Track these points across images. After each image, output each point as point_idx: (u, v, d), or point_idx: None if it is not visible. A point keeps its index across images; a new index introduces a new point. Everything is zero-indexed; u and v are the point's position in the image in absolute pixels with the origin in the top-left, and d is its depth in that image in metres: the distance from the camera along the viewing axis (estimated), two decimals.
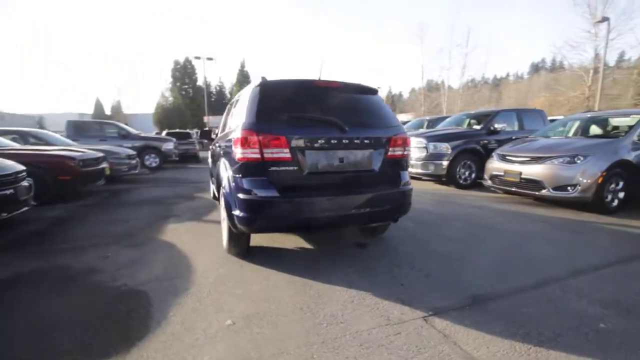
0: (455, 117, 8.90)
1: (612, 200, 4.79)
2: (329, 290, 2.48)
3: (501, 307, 2.25)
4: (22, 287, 2.58)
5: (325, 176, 2.69)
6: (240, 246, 3.01)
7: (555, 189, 4.83)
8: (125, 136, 11.44)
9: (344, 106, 2.85)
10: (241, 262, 3.02)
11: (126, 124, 14.45)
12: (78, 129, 10.82)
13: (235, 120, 3.10)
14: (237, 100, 3.62)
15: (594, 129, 6.15)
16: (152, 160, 11.76)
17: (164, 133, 16.35)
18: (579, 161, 4.73)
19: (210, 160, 5.53)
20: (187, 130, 17.60)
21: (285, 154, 2.55)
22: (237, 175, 2.63)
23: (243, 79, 28.20)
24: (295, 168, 2.60)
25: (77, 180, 5.90)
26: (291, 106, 2.70)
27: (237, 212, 2.62)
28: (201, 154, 16.34)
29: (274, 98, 2.71)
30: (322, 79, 3.09)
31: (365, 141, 2.77)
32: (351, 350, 1.81)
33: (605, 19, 17.29)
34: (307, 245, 3.45)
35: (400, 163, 2.99)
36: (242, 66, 28.52)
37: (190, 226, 4.23)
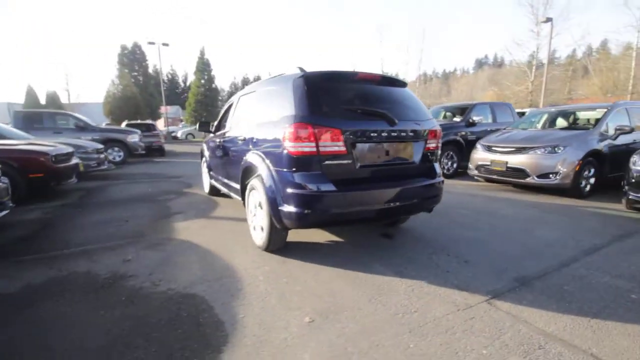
0: (433, 110, 9.30)
1: (586, 185, 5.37)
2: (384, 282, 2.53)
3: (545, 286, 2.47)
4: (43, 302, 2.29)
5: (374, 169, 2.72)
6: (280, 242, 2.95)
7: (539, 176, 5.30)
8: (83, 128, 10.42)
9: (385, 98, 2.87)
10: (282, 258, 2.96)
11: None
12: (28, 120, 9.65)
13: (268, 114, 2.99)
14: (256, 92, 3.48)
15: (561, 122, 6.81)
16: (115, 155, 10.88)
17: (123, 124, 15.12)
18: (559, 151, 5.23)
19: (207, 154, 5.26)
20: (150, 121, 16.43)
21: (340, 147, 2.53)
22: (288, 170, 2.56)
23: (203, 67, 26.61)
24: (349, 161, 2.60)
25: (50, 178, 5.32)
26: (337, 98, 2.67)
27: (287, 208, 2.56)
28: (167, 147, 15.41)
29: (319, 90, 2.66)
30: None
31: (410, 134, 2.84)
32: (440, 337, 1.89)
33: (549, 20, 18.95)
34: (336, 238, 3.47)
35: (435, 155, 3.10)
36: (202, 54, 26.89)
37: (203, 224, 4.04)
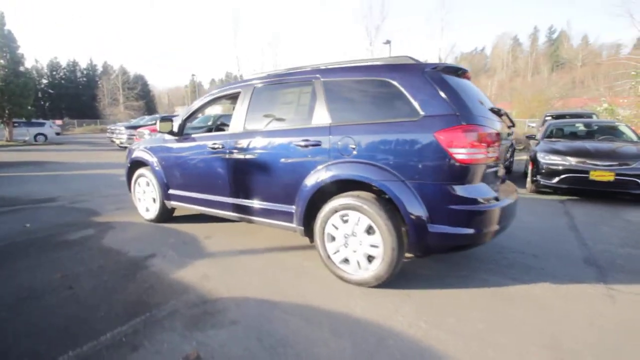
0: None
1: None
2: (498, 291, 2.44)
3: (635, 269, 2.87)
4: None
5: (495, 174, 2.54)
6: (398, 268, 2.37)
7: None
8: None
9: (483, 97, 2.71)
10: (406, 291, 2.40)
11: None
12: None
13: (376, 112, 2.36)
14: (327, 83, 2.60)
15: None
16: None
17: None
18: None
19: (159, 163, 3.74)
20: None
21: (496, 152, 2.23)
22: (451, 182, 2.08)
23: (2, 42, 17.72)
24: (497, 169, 2.33)
25: None
26: (470, 96, 2.34)
27: (445, 229, 2.10)
28: None
29: (458, 85, 2.28)
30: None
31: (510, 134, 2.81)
32: (618, 334, 1.94)
33: (388, 42, 22.78)
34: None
35: None
36: None
37: (263, 262, 2.84)
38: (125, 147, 13.71)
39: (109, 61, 59.40)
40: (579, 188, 5.57)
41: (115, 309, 2.17)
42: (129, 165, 4.19)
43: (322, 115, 2.56)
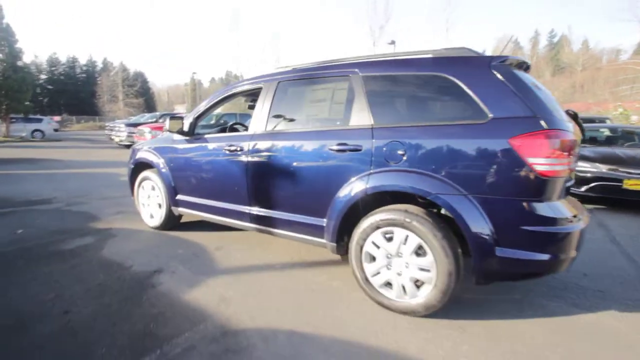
0: None
1: None
2: (564, 322, 2.09)
3: None
4: None
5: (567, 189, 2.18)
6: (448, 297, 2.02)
7: None
8: None
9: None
10: (458, 323, 2.05)
11: None
12: None
13: (434, 111, 2.03)
14: (368, 78, 2.23)
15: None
16: None
17: None
18: None
19: (167, 165, 3.38)
20: None
21: (572, 162, 1.88)
22: (528, 198, 1.73)
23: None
24: (571, 183, 1.98)
25: None
26: (543, 94, 1.99)
27: (516, 254, 1.76)
28: None
29: (532, 83, 1.93)
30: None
31: None
32: None
33: (392, 42, 22.46)
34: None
35: None
36: None
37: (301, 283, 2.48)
38: (126, 146, 13.33)
39: (109, 58, 58.91)
40: (611, 197, 5.26)
41: (119, 343, 1.81)
42: (132, 166, 3.83)
43: (362, 116, 2.21)
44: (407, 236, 2.01)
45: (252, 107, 3.96)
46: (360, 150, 2.15)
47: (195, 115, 3.22)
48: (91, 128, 36.62)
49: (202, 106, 3.24)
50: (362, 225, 2.16)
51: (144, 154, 3.66)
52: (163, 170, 3.42)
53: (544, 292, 2.46)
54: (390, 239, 2.09)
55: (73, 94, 51.93)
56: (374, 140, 2.11)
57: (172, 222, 3.60)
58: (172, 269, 2.75)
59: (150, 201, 3.66)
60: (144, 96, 52.31)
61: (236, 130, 3.70)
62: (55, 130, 22.47)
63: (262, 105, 2.72)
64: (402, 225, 2.01)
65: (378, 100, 2.19)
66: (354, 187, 2.16)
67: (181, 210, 3.38)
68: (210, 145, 3.02)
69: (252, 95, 3.53)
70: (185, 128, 3.21)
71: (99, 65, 56.88)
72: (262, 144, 2.62)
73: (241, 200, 2.83)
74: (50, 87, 51.91)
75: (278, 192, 2.58)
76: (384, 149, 2.06)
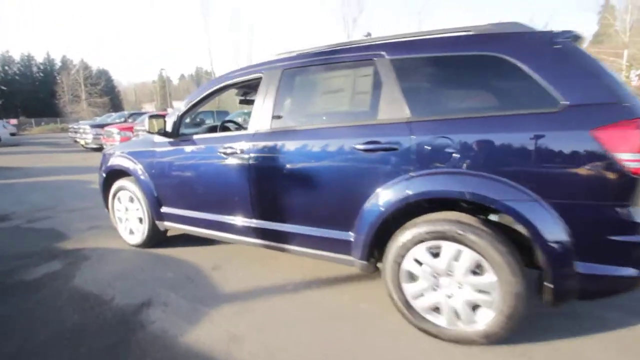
0: None
1: None
2: (630, 336, 1.83)
3: None
4: None
5: None
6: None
7: None
8: None
9: None
10: (520, 348, 1.73)
11: None
12: None
13: (484, 100, 1.69)
14: (397, 60, 1.84)
15: None
16: None
17: None
18: None
19: (147, 171, 2.87)
20: None
21: None
22: (615, 203, 1.41)
23: None
24: None
25: None
26: (618, 76, 1.69)
27: (607, 270, 1.45)
28: None
29: (600, 62, 1.62)
30: None
31: None
32: None
33: (368, 34, 22.18)
34: None
35: None
36: None
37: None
38: (93, 149, 12.34)
39: (69, 55, 55.34)
40: None
41: None
42: (104, 175, 3.28)
43: (394, 108, 1.83)
44: (460, 251, 1.67)
45: (245, 102, 3.52)
46: (396, 149, 1.77)
47: (180, 114, 2.73)
48: (53, 130, 34.20)
49: (187, 102, 2.75)
50: (400, 239, 1.80)
51: (118, 160, 3.12)
52: (142, 178, 2.91)
53: (601, 303, 2.19)
54: (436, 255, 1.74)
55: (30, 94, 48.39)
56: (413, 137, 1.73)
57: (156, 238, 3.10)
58: (163, 299, 2.29)
59: (129, 215, 3.14)
60: (109, 95, 49.57)
61: (228, 129, 3.22)
62: (12, 134, 20.67)
63: (264, 99, 2.28)
64: (453, 239, 1.66)
65: (414, 88, 1.81)
66: (390, 194, 1.79)
67: (168, 224, 2.89)
68: (201, 148, 2.55)
69: (245, 88, 3.08)
70: (169, 128, 2.71)
71: (58, 63, 53.28)
72: (267, 144, 2.19)
73: (242, 211, 2.39)
74: (3, 88, 48.07)
75: (290, 202, 2.17)
76: (427, 146, 1.70)
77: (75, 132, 14.28)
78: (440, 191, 1.67)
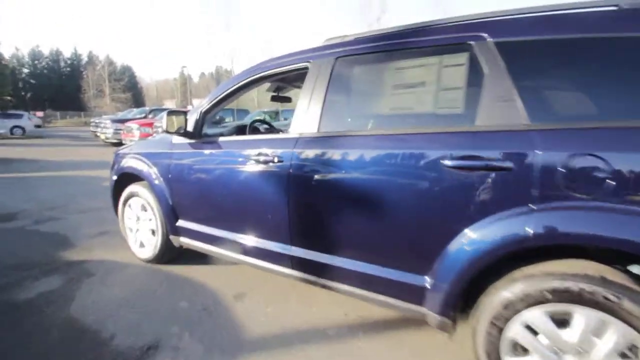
0: None
1: None
2: None
3: None
4: None
5: None
6: None
7: None
8: None
9: None
10: None
11: None
12: None
13: None
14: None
15: None
16: None
17: None
18: None
19: (165, 177, 2.43)
20: None
21: None
22: None
23: None
24: None
25: None
26: None
27: None
28: None
29: None
30: None
31: None
32: None
33: None
34: None
35: None
36: None
37: None
38: (113, 143, 12.19)
39: (95, 51, 56.80)
40: None
41: None
42: (115, 178, 2.87)
43: (503, 110, 1.30)
44: (604, 323, 1.13)
45: (278, 99, 3.04)
46: (508, 169, 1.24)
47: (204, 109, 2.28)
48: (76, 124, 34.98)
49: (212, 97, 2.30)
50: (504, 295, 1.27)
51: (131, 162, 2.70)
52: (157, 184, 2.48)
53: None
54: (563, 323, 1.21)
55: (57, 88, 49.86)
56: (538, 152, 1.20)
57: (169, 254, 2.66)
58: (174, 339, 1.83)
59: (141, 225, 2.71)
60: (131, 91, 50.65)
61: (258, 130, 2.76)
62: (37, 126, 21.14)
63: (311, 94, 1.79)
64: (596, 304, 1.12)
65: (534, 83, 1.29)
66: (495, 232, 1.27)
67: (184, 241, 2.44)
68: (228, 153, 2.08)
69: (283, 82, 2.61)
70: (190, 127, 2.26)
71: (84, 58, 54.80)
72: (315, 153, 1.70)
73: (277, 234, 1.91)
74: (33, 81, 49.71)
75: (342, 228, 1.67)
76: (563, 168, 1.17)
77: (97, 126, 14.26)
78: (585, 235, 1.14)
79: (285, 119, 10.61)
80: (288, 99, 3.03)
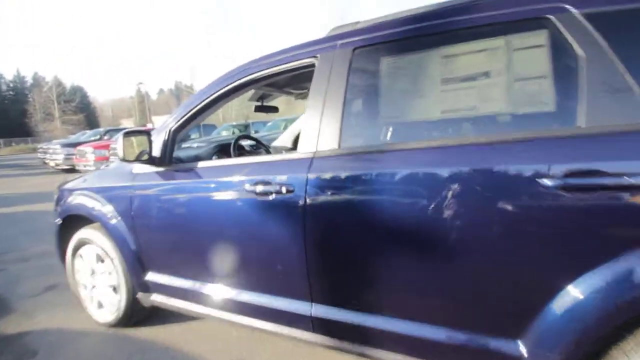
0: None
1: None
2: None
3: None
4: None
5: None
6: None
7: None
8: None
9: None
10: None
11: None
12: None
13: None
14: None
15: None
16: None
17: None
18: None
19: (130, 217, 1.86)
20: None
21: None
22: None
23: None
24: None
25: None
26: None
27: None
28: None
29: None
30: None
31: None
32: None
33: None
34: None
35: None
36: None
37: None
38: (65, 170, 10.98)
39: (41, 72, 53.13)
40: None
41: None
42: (60, 221, 2.23)
43: (619, 103, 0.92)
44: None
45: (262, 109, 2.52)
46: None
47: (173, 128, 1.75)
48: (23, 151, 32.11)
49: (183, 111, 1.77)
50: None
51: (79, 200, 2.09)
52: (116, 227, 1.89)
53: None
54: None
55: (0, 113, 45.87)
56: None
57: (137, 316, 2.07)
58: None
59: (97, 281, 2.10)
60: (84, 112, 47.68)
61: (243, 150, 2.24)
62: None
63: (324, 98, 1.33)
64: None
65: None
66: (628, 279, 0.87)
67: (157, 299, 1.87)
68: (214, 183, 1.56)
69: (272, 87, 2.13)
70: (155, 152, 1.72)
71: (29, 80, 50.97)
72: (339, 177, 1.24)
73: (292, 288, 1.41)
74: None
75: (385, 278, 1.21)
76: None
77: (45, 153, 12.90)
78: None
79: (256, 132, 9.92)
80: (275, 109, 2.53)
